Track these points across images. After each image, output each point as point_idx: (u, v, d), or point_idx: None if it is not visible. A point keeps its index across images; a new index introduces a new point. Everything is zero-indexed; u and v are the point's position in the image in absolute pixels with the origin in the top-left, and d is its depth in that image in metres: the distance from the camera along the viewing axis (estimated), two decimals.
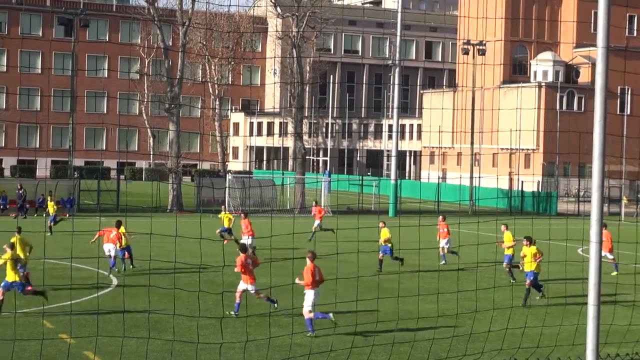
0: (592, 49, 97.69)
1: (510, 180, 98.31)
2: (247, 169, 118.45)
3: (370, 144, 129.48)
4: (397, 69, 73.08)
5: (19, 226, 27.52)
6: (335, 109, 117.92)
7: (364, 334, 22.11)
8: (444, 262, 36.74)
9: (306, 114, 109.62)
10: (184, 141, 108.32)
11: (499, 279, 29.18)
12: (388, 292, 28.06)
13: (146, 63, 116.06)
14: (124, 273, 31.75)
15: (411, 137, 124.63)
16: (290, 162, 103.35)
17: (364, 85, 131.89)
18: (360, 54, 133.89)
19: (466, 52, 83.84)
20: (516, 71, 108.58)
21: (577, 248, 41.91)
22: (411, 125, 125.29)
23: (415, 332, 22.02)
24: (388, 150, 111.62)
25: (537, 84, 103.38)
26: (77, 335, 21.13)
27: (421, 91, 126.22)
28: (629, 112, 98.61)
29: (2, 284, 23.56)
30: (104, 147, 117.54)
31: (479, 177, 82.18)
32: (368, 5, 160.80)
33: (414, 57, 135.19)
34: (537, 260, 27.20)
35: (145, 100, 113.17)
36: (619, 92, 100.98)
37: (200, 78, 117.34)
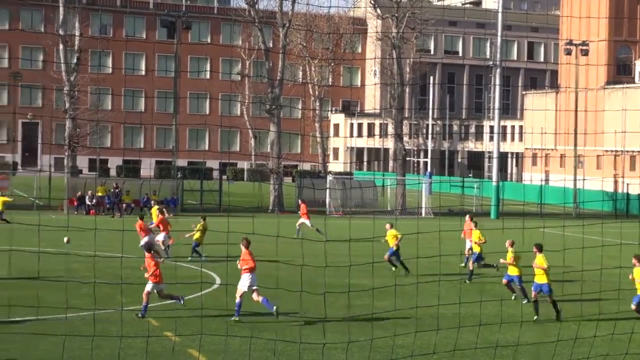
0: None
1: (615, 182, 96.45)
2: (348, 170, 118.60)
3: (472, 145, 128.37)
4: (498, 70, 72.33)
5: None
6: (435, 110, 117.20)
7: (465, 337, 21.92)
8: (464, 264, 35.22)
9: (406, 115, 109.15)
10: (284, 142, 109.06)
11: (605, 283, 28.60)
12: (489, 294, 27.81)
13: (247, 64, 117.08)
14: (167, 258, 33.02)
15: (512, 139, 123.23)
16: (391, 163, 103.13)
17: (464, 86, 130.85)
18: (460, 54, 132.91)
19: (569, 53, 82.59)
20: (620, 71, 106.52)
21: None
22: (512, 127, 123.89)
23: (518, 336, 21.74)
24: (489, 152, 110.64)
25: None
26: (181, 333, 21.39)
27: (523, 92, 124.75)
28: None
29: None
30: (207, 148, 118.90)
31: (583, 180, 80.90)
32: (468, 5, 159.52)
33: (515, 58, 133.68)
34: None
35: (247, 101, 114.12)
36: None
37: (300, 79, 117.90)
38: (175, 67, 77.45)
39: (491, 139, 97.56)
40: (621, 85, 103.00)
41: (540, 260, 24.86)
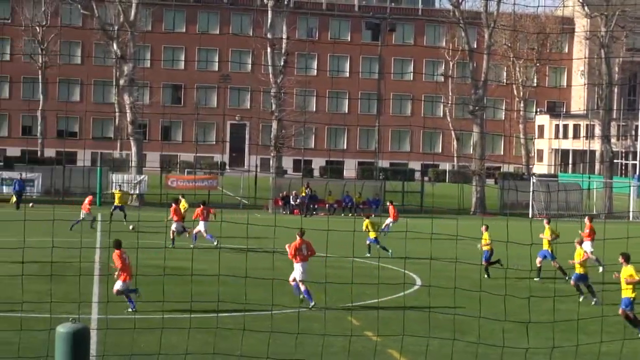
0: None
1: None
2: (552, 172, 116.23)
3: None
4: None
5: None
6: None
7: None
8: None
9: (614, 116, 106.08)
10: (487, 143, 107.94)
11: None
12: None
13: (451, 65, 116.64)
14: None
15: None
16: (597, 166, 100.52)
17: None
18: None
19: None
20: None
21: None
22: None
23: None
24: None
25: None
26: (382, 333, 21.51)
27: None
28: None
29: None
30: (409, 149, 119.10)
31: None
32: None
33: None
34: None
35: (450, 102, 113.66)
36: None
37: (504, 80, 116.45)
38: (379, 68, 78.00)
39: None
40: None
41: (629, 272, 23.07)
